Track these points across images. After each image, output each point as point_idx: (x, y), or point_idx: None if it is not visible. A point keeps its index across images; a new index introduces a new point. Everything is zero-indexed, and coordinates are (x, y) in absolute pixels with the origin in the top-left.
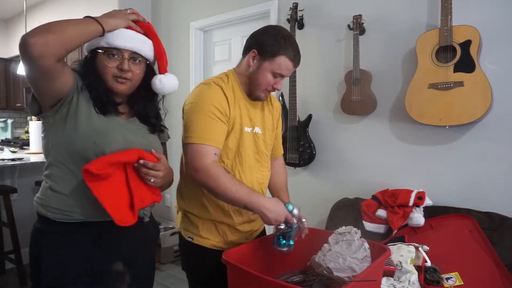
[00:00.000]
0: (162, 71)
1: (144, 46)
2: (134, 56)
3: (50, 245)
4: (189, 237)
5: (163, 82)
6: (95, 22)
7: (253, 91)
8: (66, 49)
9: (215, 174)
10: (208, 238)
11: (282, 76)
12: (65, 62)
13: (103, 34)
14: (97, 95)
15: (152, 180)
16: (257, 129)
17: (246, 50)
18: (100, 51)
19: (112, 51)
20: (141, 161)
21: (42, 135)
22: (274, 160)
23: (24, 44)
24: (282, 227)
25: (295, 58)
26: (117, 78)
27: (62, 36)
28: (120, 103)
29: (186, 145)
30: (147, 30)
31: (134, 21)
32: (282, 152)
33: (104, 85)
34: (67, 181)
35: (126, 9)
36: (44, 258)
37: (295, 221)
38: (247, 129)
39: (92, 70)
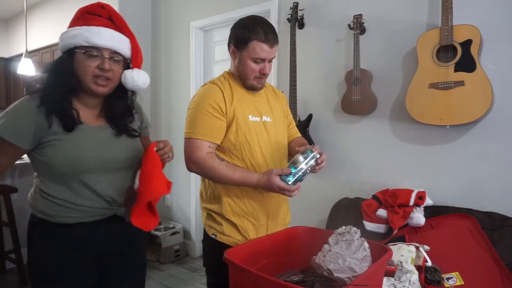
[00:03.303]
0: (135, 67)
1: (123, 44)
2: (114, 55)
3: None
4: (212, 234)
5: (135, 78)
6: None
7: (245, 82)
8: None
9: (210, 165)
10: (231, 236)
11: (263, 60)
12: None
13: None
14: (59, 108)
15: (170, 155)
16: (266, 118)
17: (228, 49)
18: (79, 50)
19: (92, 51)
20: (159, 150)
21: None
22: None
23: None
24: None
25: (267, 39)
26: (97, 78)
27: None
28: (77, 115)
29: (184, 140)
30: (123, 27)
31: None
32: (300, 135)
33: (69, 93)
34: (55, 189)
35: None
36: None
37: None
38: (254, 118)
39: (70, 71)
